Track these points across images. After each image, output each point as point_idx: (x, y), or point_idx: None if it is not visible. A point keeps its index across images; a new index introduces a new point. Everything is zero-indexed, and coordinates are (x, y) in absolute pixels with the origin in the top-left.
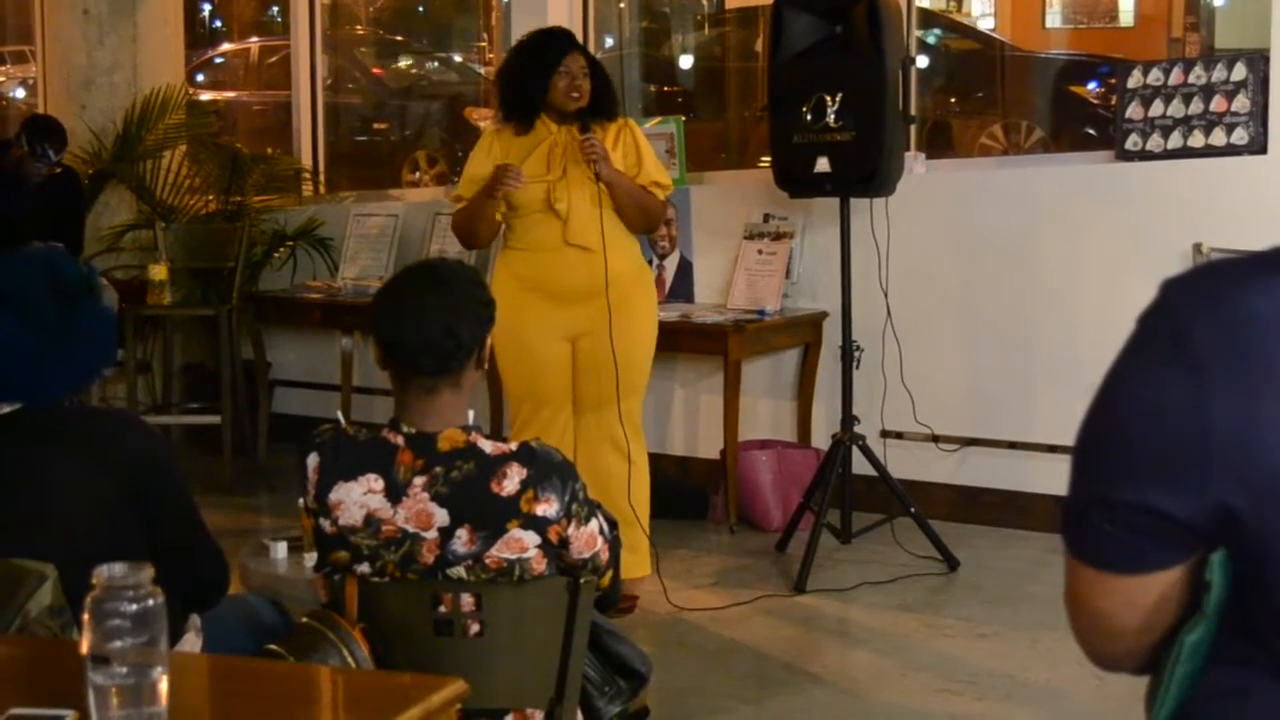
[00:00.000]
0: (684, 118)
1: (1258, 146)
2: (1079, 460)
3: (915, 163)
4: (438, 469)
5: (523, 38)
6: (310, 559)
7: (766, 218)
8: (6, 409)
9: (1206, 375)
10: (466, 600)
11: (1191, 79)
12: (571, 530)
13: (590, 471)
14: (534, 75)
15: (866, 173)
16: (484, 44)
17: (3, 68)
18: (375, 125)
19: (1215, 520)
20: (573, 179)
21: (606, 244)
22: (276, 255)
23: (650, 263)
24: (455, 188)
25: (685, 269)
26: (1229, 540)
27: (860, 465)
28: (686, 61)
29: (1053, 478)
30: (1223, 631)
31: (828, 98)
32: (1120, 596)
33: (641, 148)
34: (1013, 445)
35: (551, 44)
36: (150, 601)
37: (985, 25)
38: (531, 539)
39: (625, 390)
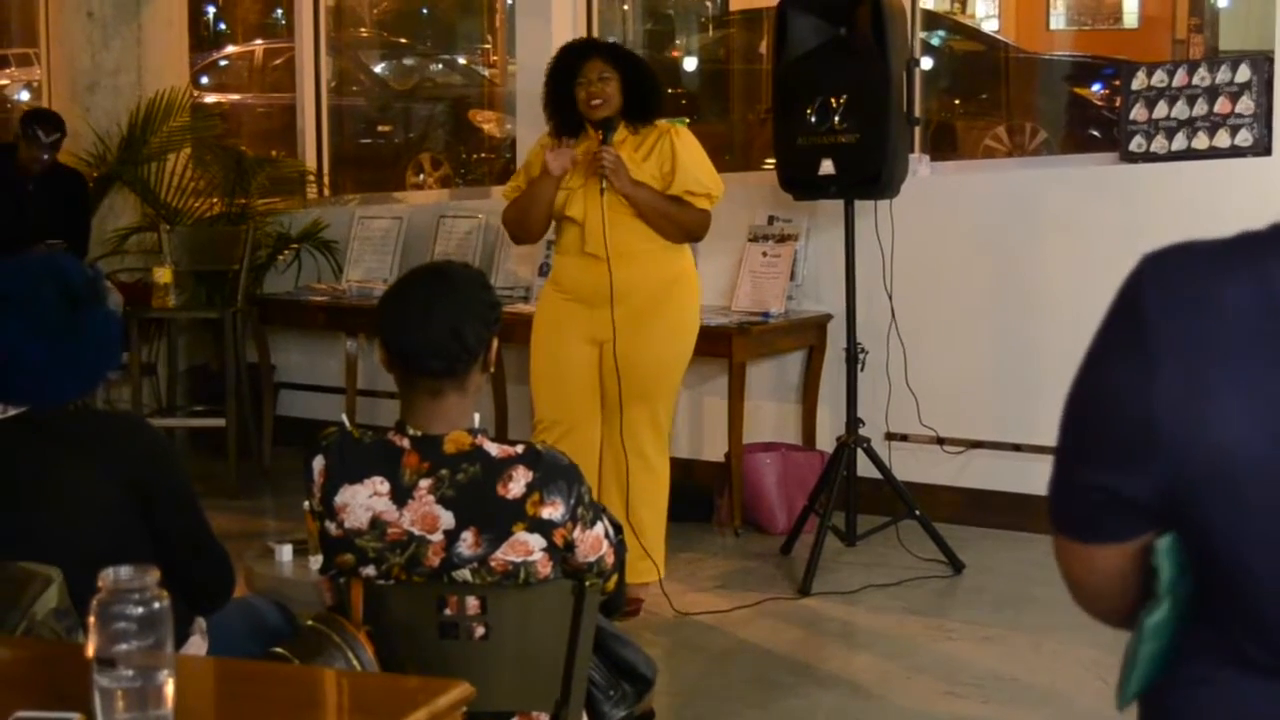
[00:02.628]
0: (688, 120)
1: (1262, 148)
2: (1059, 433)
3: (919, 165)
4: (443, 472)
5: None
6: (315, 562)
7: (771, 220)
8: (13, 412)
9: (1158, 356)
10: (472, 603)
11: (1196, 81)
12: (577, 533)
13: (614, 473)
14: (559, 89)
15: (871, 175)
16: (488, 46)
17: (7, 70)
18: (379, 127)
19: (1164, 502)
20: (591, 188)
21: (620, 252)
22: (281, 258)
23: None
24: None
25: None
26: (1179, 523)
27: (865, 468)
28: (691, 63)
29: None
30: (1189, 619)
31: (832, 100)
32: (1085, 563)
33: (679, 155)
34: (1018, 447)
35: (569, 55)
36: (156, 604)
37: (989, 27)
38: (537, 542)
39: (639, 396)
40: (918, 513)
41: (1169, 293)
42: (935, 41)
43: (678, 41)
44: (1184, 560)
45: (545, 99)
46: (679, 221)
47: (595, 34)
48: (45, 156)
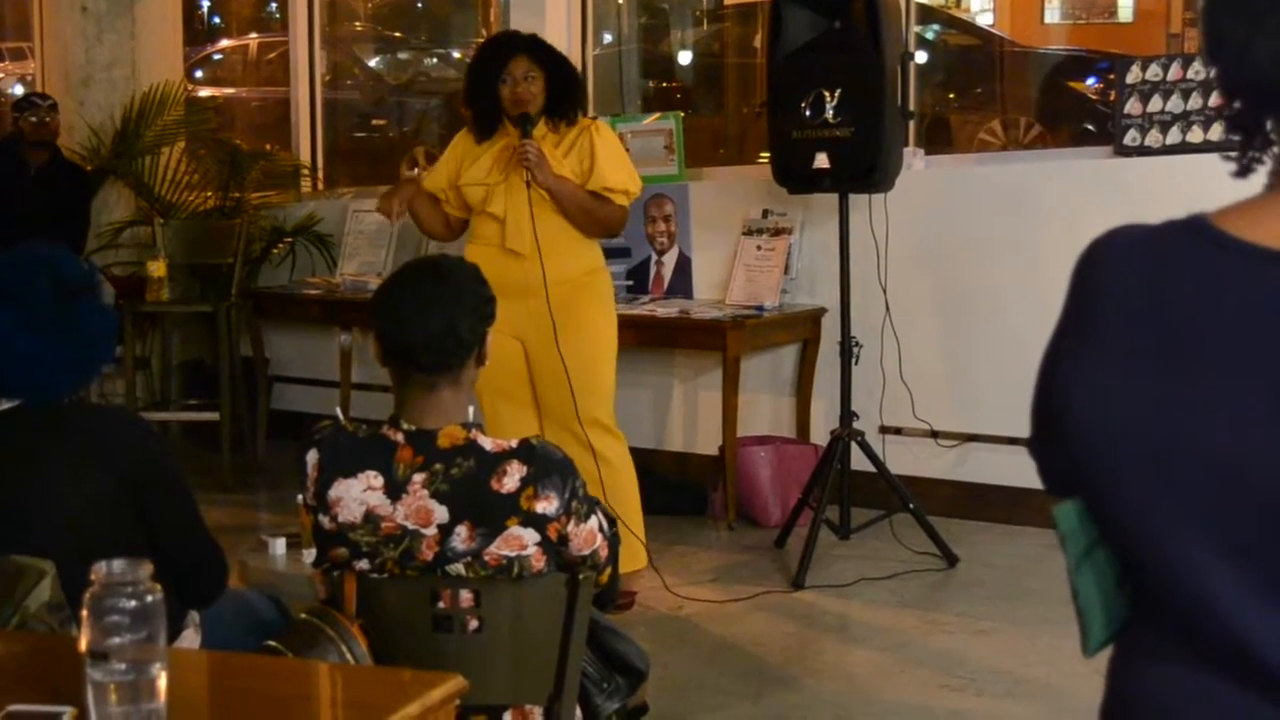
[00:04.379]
0: (683, 113)
1: None
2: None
3: (914, 158)
4: (437, 466)
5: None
6: (309, 555)
7: (765, 213)
8: (6, 405)
9: (1065, 335)
10: (465, 596)
11: (1190, 74)
12: (571, 527)
13: None
14: (483, 84)
15: (865, 168)
16: (482, 40)
17: (1, 64)
18: (374, 121)
19: (1073, 474)
20: (513, 184)
21: (545, 250)
22: (275, 251)
23: (649, 259)
24: None
25: (684, 265)
26: (1084, 496)
27: (859, 461)
28: (685, 57)
29: None
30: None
31: (826, 93)
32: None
33: (598, 152)
34: (1011, 441)
35: (495, 50)
36: (149, 598)
37: (984, 21)
38: (531, 536)
39: (580, 392)
40: (912, 506)
41: (1081, 273)
42: (930, 35)
43: (672, 35)
44: (1089, 525)
45: (465, 94)
46: (598, 217)
47: (589, 27)
48: (49, 121)
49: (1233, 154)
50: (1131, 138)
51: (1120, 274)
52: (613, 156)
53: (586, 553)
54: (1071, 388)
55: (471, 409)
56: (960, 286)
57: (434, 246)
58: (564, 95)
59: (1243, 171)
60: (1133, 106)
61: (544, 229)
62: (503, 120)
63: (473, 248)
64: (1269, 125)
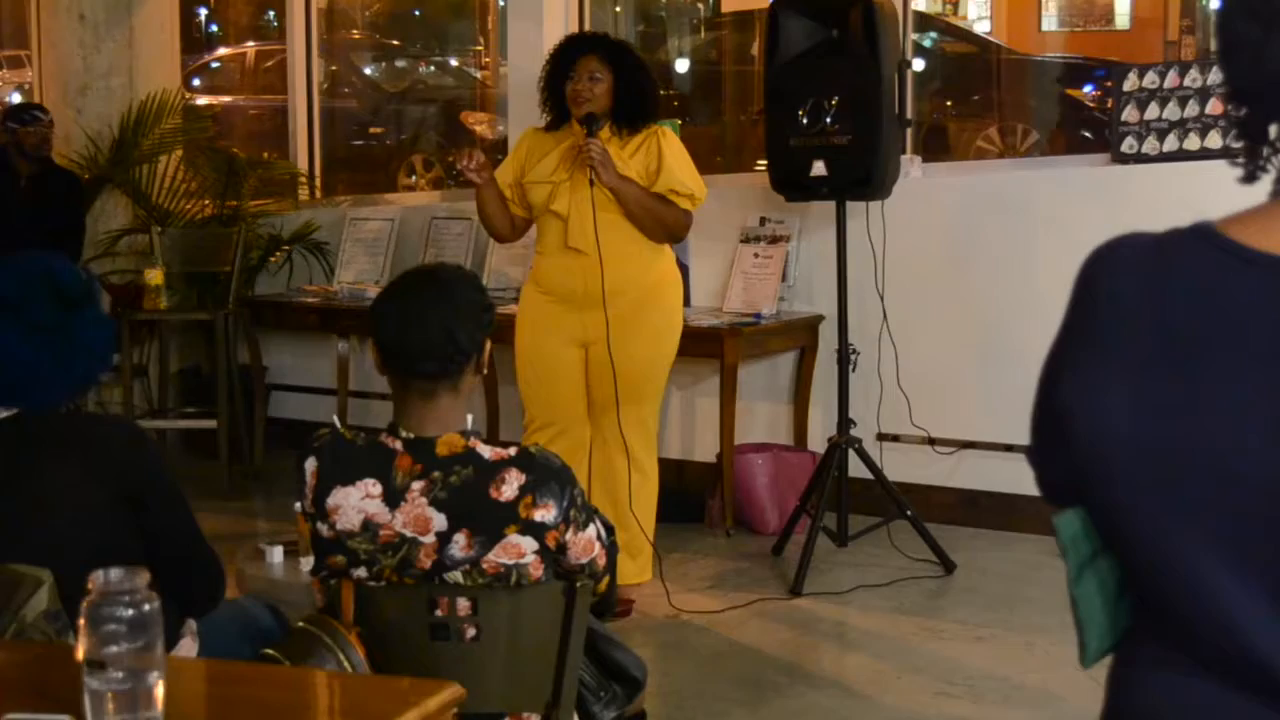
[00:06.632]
0: (680, 121)
1: None
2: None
3: (911, 166)
4: (436, 474)
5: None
6: (307, 563)
7: (763, 221)
8: (4, 414)
9: (1068, 343)
10: (463, 604)
11: (1187, 81)
12: (569, 536)
13: (602, 474)
14: (553, 79)
15: (862, 176)
16: (480, 48)
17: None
18: (371, 129)
19: (1075, 484)
20: (577, 182)
21: (607, 250)
22: (273, 259)
23: None
24: None
25: (681, 272)
26: (1087, 505)
27: (857, 468)
28: (683, 65)
29: None
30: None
31: (824, 101)
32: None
33: (665, 155)
34: (1009, 448)
35: (566, 48)
36: (146, 606)
37: (981, 28)
38: (529, 544)
39: (627, 399)
40: (909, 513)
41: (1084, 281)
42: (927, 43)
43: (670, 43)
44: (1092, 534)
45: (542, 84)
46: (663, 220)
47: None
48: (48, 135)
49: (1239, 160)
50: (1129, 145)
51: (1125, 282)
52: (680, 160)
53: (584, 561)
54: (1075, 397)
55: (470, 417)
56: (957, 294)
57: (431, 255)
58: (631, 102)
59: (1249, 178)
60: (1130, 114)
61: (608, 231)
62: (569, 119)
63: (539, 259)
64: (1275, 131)
